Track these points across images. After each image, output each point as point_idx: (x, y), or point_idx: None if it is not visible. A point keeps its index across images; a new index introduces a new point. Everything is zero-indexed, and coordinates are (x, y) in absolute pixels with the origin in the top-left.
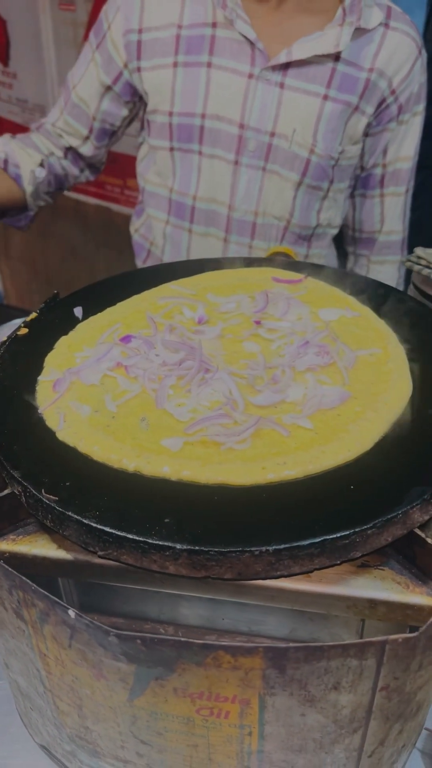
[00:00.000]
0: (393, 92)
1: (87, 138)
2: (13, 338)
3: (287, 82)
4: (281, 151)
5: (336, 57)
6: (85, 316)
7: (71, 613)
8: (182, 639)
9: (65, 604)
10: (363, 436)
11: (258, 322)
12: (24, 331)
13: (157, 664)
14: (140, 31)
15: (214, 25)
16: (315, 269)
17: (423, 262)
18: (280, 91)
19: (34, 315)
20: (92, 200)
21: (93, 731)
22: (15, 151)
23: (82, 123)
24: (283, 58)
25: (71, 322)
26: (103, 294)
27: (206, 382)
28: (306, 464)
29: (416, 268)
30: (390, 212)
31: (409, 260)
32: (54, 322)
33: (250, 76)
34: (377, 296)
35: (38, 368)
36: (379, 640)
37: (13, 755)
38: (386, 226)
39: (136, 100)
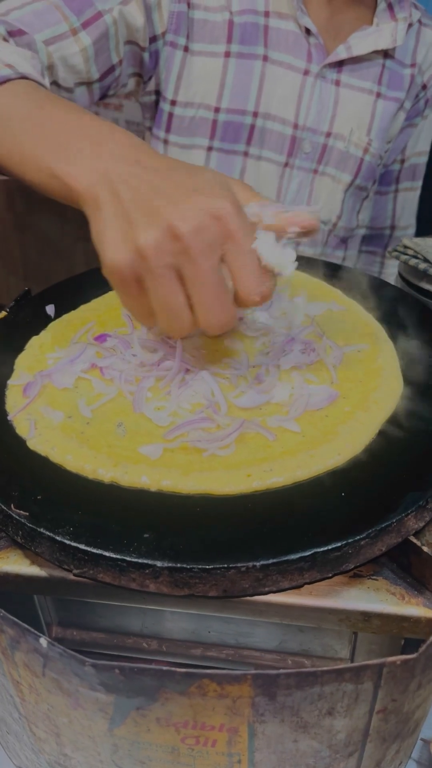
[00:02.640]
0: (424, 87)
1: (89, 84)
2: None
3: (342, 80)
4: (336, 151)
5: (385, 53)
6: (58, 314)
7: (43, 641)
8: (164, 668)
9: (36, 632)
10: (353, 439)
11: (240, 318)
12: None
13: (138, 694)
14: (190, 5)
15: (266, 14)
16: (301, 261)
17: (409, 252)
18: (337, 89)
19: (3, 313)
20: None
21: (72, 758)
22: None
23: (101, 62)
24: (342, 54)
25: (43, 321)
26: (77, 290)
27: (186, 384)
28: (294, 470)
29: (402, 258)
30: (405, 207)
31: (396, 250)
32: (25, 321)
33: (306, 72)
34: (364, 288)
35: (8, 371)
36: (376, 663)
37: None
38: (401, 222)
39: (134, 74)
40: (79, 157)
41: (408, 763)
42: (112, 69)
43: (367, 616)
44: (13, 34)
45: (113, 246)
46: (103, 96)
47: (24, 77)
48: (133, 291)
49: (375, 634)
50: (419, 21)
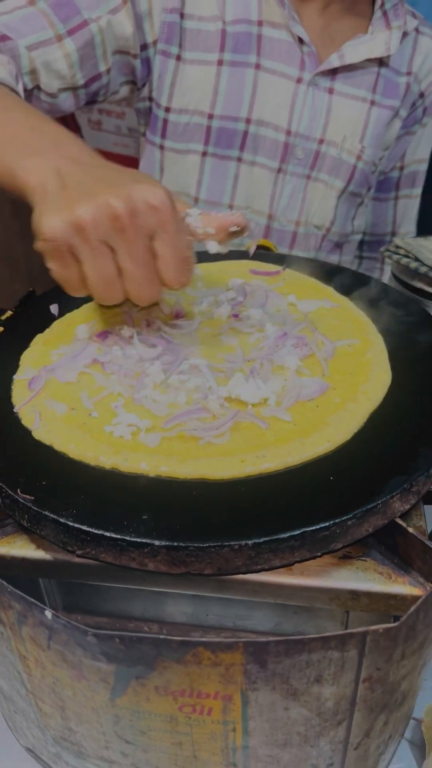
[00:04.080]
0: (422, 95)
1: (75, 90)
2: None
3: (336, 87)
4: (329, 158)
5: (380, 62)
6: (61, 313)
7: (48, 613)
8: (161, 636)
9: (42, 605)
10: (342, 427)
11: (236, 315)
12: None
13: (137, 663)
14: (182, 15)
15: (260, 23)
16: (293, 261)
17: (401, 251)
18: (330, 97)
19: (9, 313)
20: None
21: (77, 732)
22: None
23: (86, 69)
24: (335, 62)
25: (47, 320)
26: None
27: (184, 376)
28: (285, 457)
29: (394, 257)
30: (404, 214)
31: (388, 250)
32: (30, 320)
33: (299, 80)
34: (356, 287)
35: (14, 366)
36: (360, 631)
37: (0, 758)
38: (402, 228)
39: (126, 81)
40: (37, 155)
41: (401, 742)
42: (98, 76)
43: (355, 595)
44: None
45: (51, 218)
46: (91, 102)
47: None
48: (66, 261)
49: (364, 612)
50: (416, 29)
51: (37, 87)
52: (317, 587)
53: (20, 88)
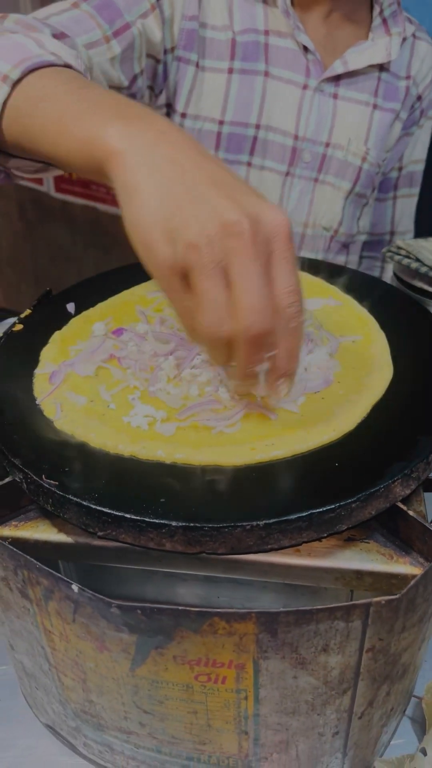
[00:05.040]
0: (419, 98)
1: (119, 91)
2: (9, 334)
3: (340, 93)
4: (335, 160)
5: (380, 67)
6: (78, 311)
7: (74, 587)
8: (180, 608)
9: (68, 580)
10: (347, 417)
11: None
12: (19, 327)
13: (157, 633)
14: (201, 24)
15: (266, 33)
16: (299, 261)
17: (402, 252)
18: (335, 102)
19: (28, 311)
20: (79, 200)
21: (97, 704)
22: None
23: (127, 71)
24: (339, 69)
25: (64, 318)
26: (94, 291)
27: (196, 370)
28: (293, 444)
29: (396, 258)
30: (403, 213)
31: (390, 251)
32: (48, 318)
33: (305, 87)
34: (360, 286)
35: (34, 362)
36: (364, 602)
37: (20, 736)
38: (400, 227)
39: (148, 86)
40: (129, 120)
41: (403, 719)
42: (135, 78)
43: (359, 574)
44: (57, 37)
45: (161, 238)
46: None
47: (68, 66)
48: (178, 287)
49: (367, 591)
50: (413, 35)
51: None
52: (324, 567)
53: (89, 78)
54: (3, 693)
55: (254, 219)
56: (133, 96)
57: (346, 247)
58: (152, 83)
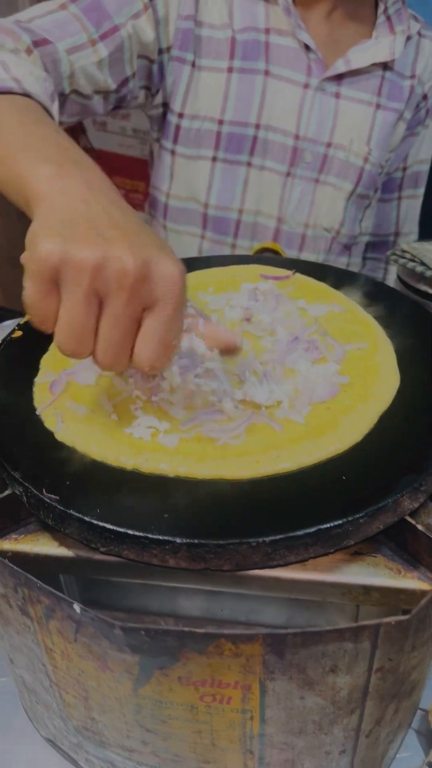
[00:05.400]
0: (425, 97)
1: (107, 94)
2: (8, 341)
3: (342, 92)
4: (337, 161)
5: (384, 66)
6: None
7: (76, 607)
8: (185, 629)
9: (70, 600)
10: (353, 428)
11: (248, 319)
12: (18, 333)
13: (161, 654)
14: (197, 23)
15: (267, 31)
16: (302, 265)
17: (407, 255)
18: (337, 101)
19: (27, 317)
20: None
21: (99, 722)
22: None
23: (116, 74)
24: (341, 68)
25: None
26: None
27: (199, 380)
28: (299, 457)
29: (401, 261)
30: (407, 214)
31: (394, 254)
32: None
33: (306, 86)
34: (365, 291)
35: (34, 370)
36: (373, 623)
37: (20, 749)
38: (404, 228)
39: (143, 87)
40: (56, 167)
41: (409, 732)
42: (126, 81)
43: (367, 590)
44: (38, 44)
45: (54, 240)
46: (117, 107)
47: (27, 95)
48: (46, 290)
49: (375, 606)
50: (419, 33)
51: (75, 91)
52: (330, 582)
53: (55, 109)
54: (3, 705)
55: (145, 265)
56: (122, 98)
57: (348, 248)
58: (148, 83)
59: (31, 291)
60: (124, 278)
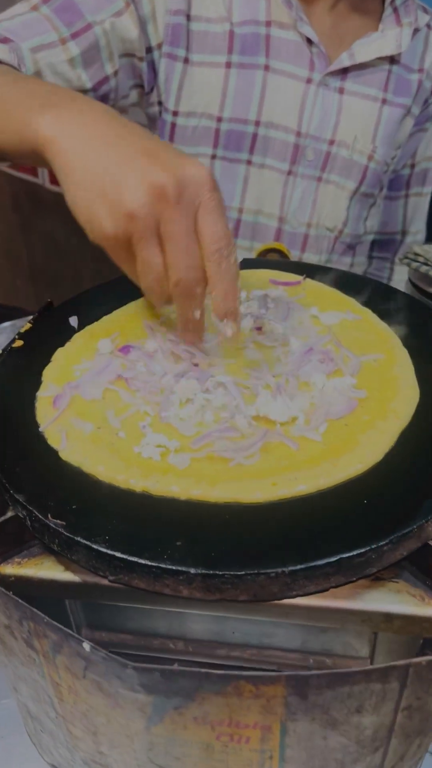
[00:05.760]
0: None
1: (83, 93)
2: (8, 351)
3: (347, 87)
4: (340, 159)
5: (391, 59)
6: (81, 325)
7: (86, 646)
8: (202, 671)
9: (79, 637)
10: (374, 447)
11: (258, 329)
12: (19, 343)
13: (177, 695)
14: (189, 17)
15: (268, 24)
16: (312, 270)
17: (420, 258)
18: (340, 97)
19: (28, 326)
20: None
21: (108, 756)
22: None
23: (92, 72)
24: (346, 62)
25: (67, 333)
26: (98, 301)
27: (210, 393)
28: (317, 479)
29: (413, 265)
30: (415, 212)
31: (406, 257)
32: (49, 333)
33: (309, 81)
34: (378, 297)
35: (36, 383)
36: (403, 663)
37: None
38: (412, 227)
39: (135, 85)
40: (58, 108)
41: (425, 756)
42: (106, 79)
43: (389, 618)
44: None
45: (104, 211)
46: None
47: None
48: (126, 256)
49: (396, 634)
50: (427, 25)
51: None
52: (349, 609)
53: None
54: (6, 728)
55: (178, 177)
56: (104, 97)
57: (351, 248)
58: (139, 82)
59: (124, 266)
60: (167, 203)
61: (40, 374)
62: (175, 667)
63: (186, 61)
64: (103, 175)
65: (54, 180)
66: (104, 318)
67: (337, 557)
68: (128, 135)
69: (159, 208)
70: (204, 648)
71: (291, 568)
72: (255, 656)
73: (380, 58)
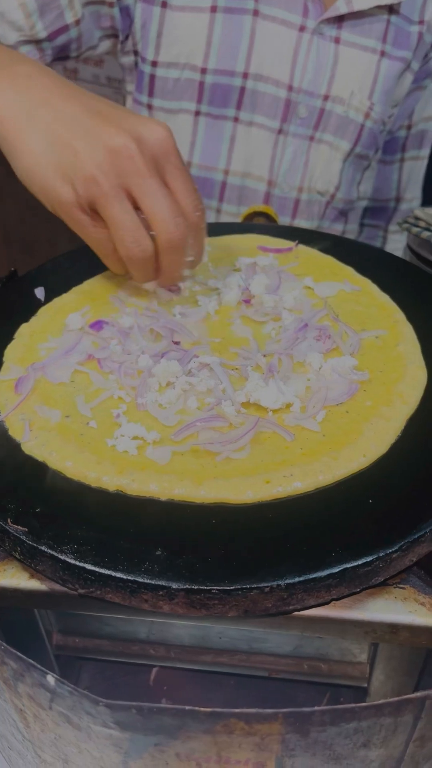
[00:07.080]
0: None
1: (37, 43)
2: None
3: (343, 37)
4: (335, 116)
5: (390, 9)
6: (48, 298)
7: (50, 679)
8: (186, 708)
9: (42, 669)
10: (378, 438)
11: (247, 301)
12: None
13: (157, 733)
14: None
15: None
16: (305, 235)
17: (421, 223)
18: (336, 47)
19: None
20: None
21: None
22: None
23: (48, 20)
24: (342, 8)
25: (32, 306)
26: (67, 271)
27: (193, 376)
28: (316, 475)
29: (414, 230)
30: (410, 178)
31: (406, 221)
32: (12, 306)
33: (302, 29)
34: (378, 266)
35: None
36: (419, 696)
37: None
38: (407, 193)
39: (106, 35)
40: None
41: None
42: (65, 28)
43: (394, 629)
44: None
45: (59, 178)
46: (62, 57)
47: None
48: (84, 220)
49: (402, 645)
50: None
51: None
52: (351, 620)
53: None
54: None
55: (138, 138)
56: (61, 48)
57: (344, 214)
58: (111, 31)
59: (86, 234)
60: (132, 161)
61: (1, 354)
62: (154, 704)
63: (164, 5)
64: (56, 141)
65: None
66: (74, 289)
67: (341, 568)
68: (80, 97)
69: (124, 168)
70: (187, 654)
71: (288, 581)
72: (244, 662)
73: (379, 7)
